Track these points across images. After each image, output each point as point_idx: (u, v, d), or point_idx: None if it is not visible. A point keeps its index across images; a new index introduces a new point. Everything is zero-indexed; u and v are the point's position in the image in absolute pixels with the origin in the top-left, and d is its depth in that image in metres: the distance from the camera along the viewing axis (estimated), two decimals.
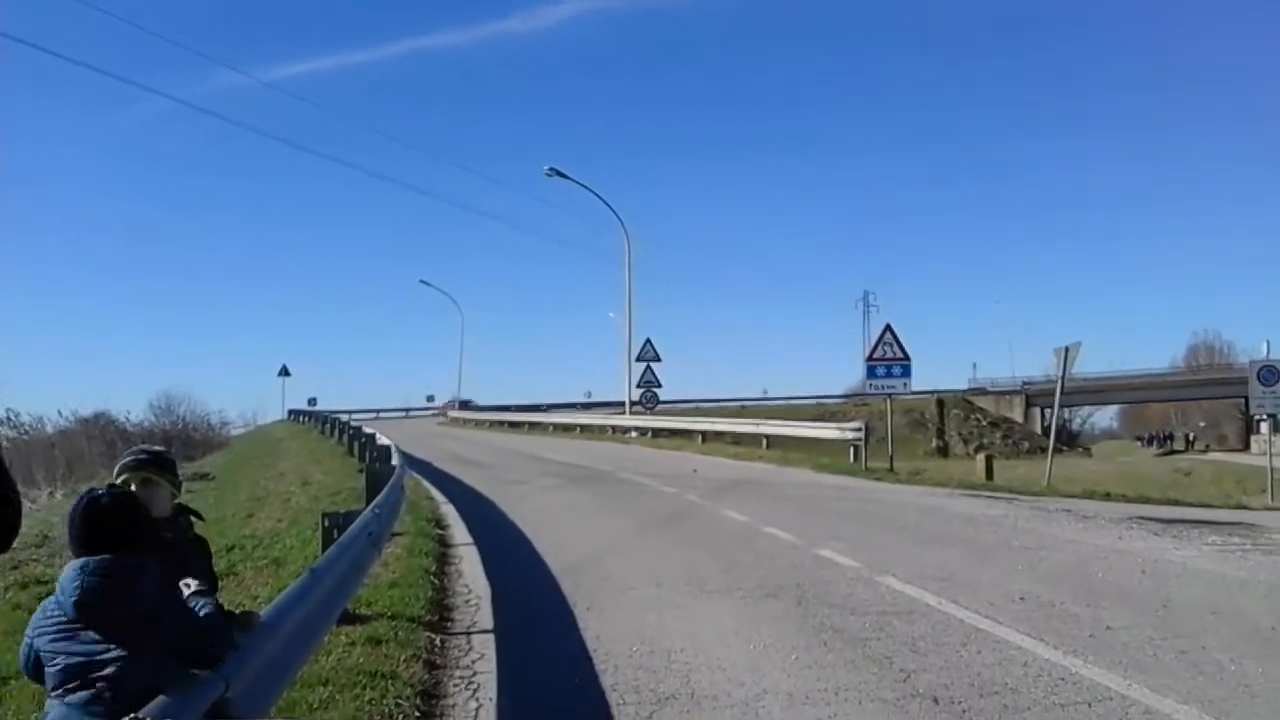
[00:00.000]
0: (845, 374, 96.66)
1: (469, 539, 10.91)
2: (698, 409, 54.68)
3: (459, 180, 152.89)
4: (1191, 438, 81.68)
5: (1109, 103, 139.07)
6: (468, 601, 7.61)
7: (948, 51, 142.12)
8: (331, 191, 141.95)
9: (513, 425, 46.98)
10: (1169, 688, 4.94)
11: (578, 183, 38.09)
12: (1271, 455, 20.42)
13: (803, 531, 10.66)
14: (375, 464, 12.19)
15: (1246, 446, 59.56)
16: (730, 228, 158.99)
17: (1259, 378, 19.39)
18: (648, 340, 34.93)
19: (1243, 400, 20.91)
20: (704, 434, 30.85)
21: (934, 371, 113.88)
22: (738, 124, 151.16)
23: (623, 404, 38.33)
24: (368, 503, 9.03)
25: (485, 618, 7.07)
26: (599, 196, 38.66)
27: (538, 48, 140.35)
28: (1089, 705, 4.72)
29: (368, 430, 22.30)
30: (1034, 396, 73.40)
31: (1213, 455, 50.08)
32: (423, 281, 68.84)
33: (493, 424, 49.40)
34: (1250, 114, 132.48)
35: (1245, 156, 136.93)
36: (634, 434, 34.08)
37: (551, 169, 36.75)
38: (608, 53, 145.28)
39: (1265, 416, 20.85)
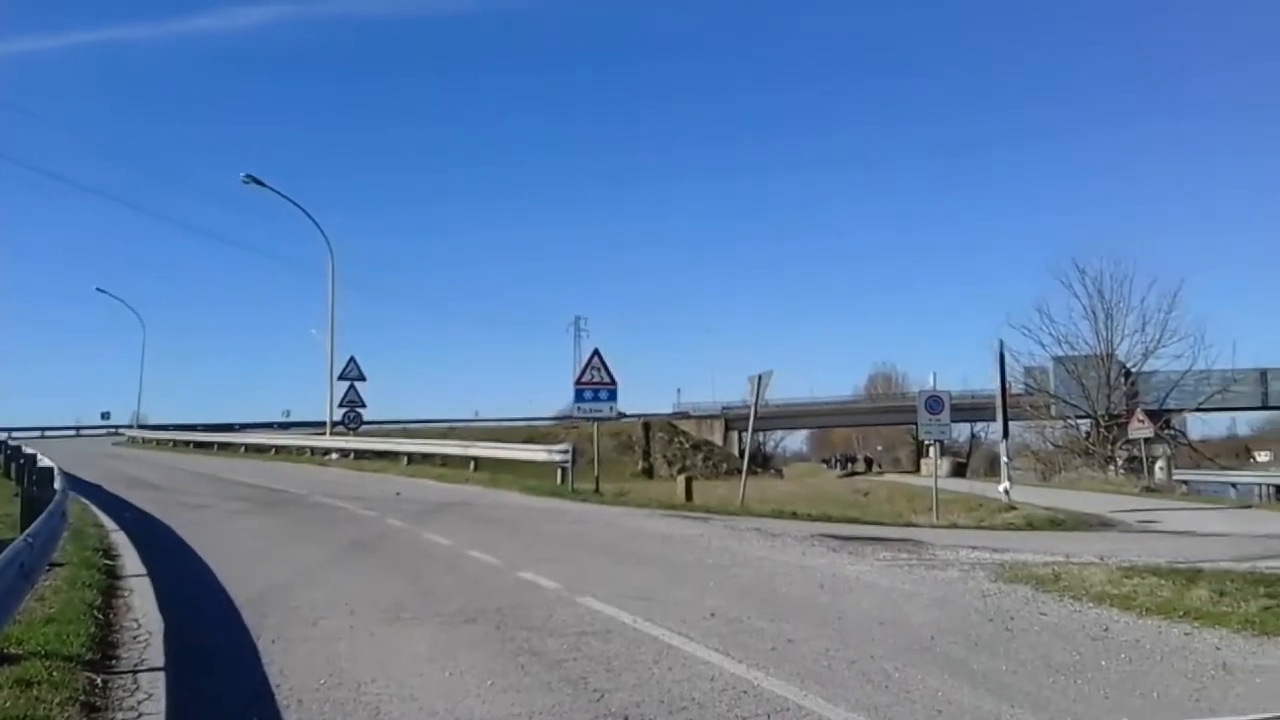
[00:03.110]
0: (557, 397, 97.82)
1: (142, 569, 9.99)
2: (405, 430, 53.59)
3: (143, 184, 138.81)
4: (870, 460, 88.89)
5: (795, 144, 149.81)
6: (136, 637, 6.92)
7: (654, 85, 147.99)
8: None
9: (200, 446, 44.23)
10: (840, 696, 5.24)
11: (277, 192, 36.35)
12: (937, 477, 22.55)
13: (506, 555, 10.59)
14: (34, 488, 10.94)
15: (918, 469, 65.63)
16: (443, 248, 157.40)
17: (926, 406, 21.37)
18: (351, 358, 33.87)
19: (914, 426, 23.16)
20: (410, 456, 30.26)
21: (641, 396, 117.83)
22: (449, 139, 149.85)
23: (324, 424, 36.81)
24: (23, 530, 8.09)
25: (156, 654, 6.44)
26: (299, 207, 37.14)
27: (234, 49, 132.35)
28: (768, 716, 4.91)
29: (28, 450, 20.06)
30: (732, 421, 77.55)
31: (889, 477, 54.68)
32: (99, 290, 63.46)
33: (177, 444, 46.28)
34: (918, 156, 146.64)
35: (918, 205, 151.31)
36: (335, 456, 32.91)
37: (248, 176, 34.76)
38: (314, 60, 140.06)
39: (932, 441, 22.95)
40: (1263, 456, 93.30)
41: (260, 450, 39.56)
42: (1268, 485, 35.73)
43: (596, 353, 22.89)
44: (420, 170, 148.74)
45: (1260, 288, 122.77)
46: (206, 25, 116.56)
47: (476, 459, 27.34)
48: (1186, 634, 6.89)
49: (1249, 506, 28.23)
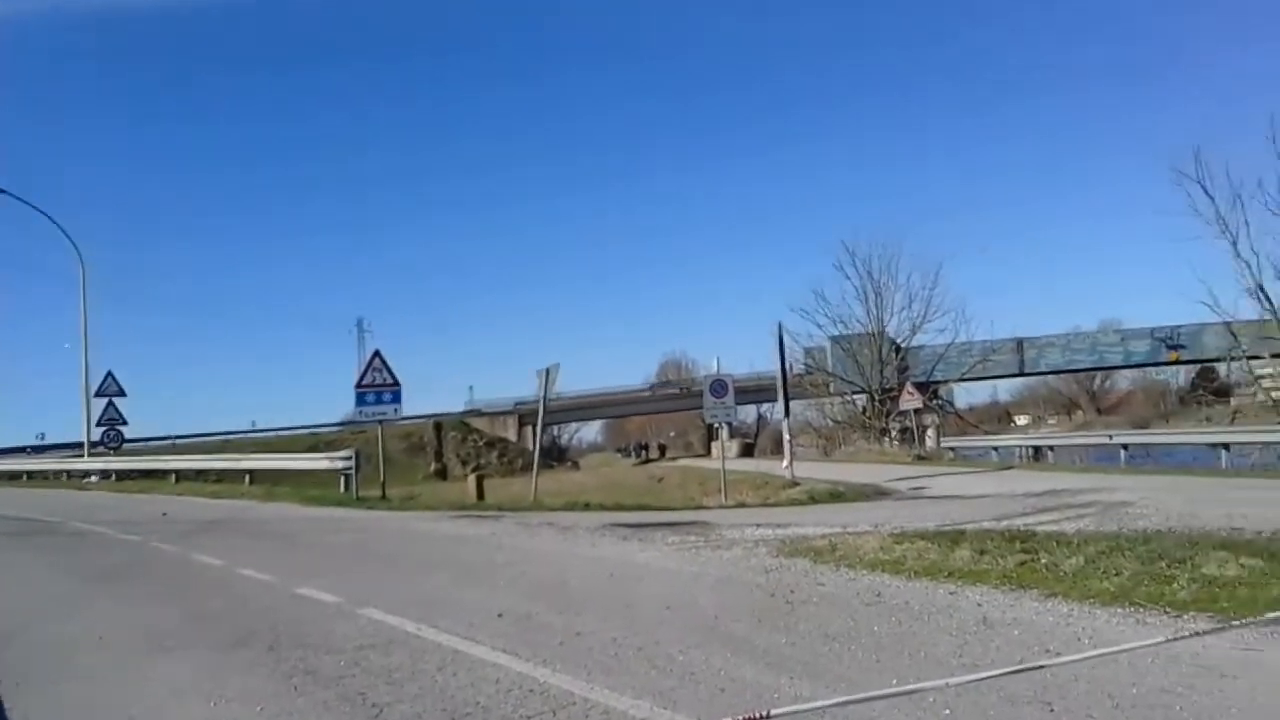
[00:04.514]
0: (344, 403, 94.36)
1: None
2: (175, 446, 50.69)
3: None
4: (664, 446, 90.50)
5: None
6: None
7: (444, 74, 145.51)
8: None
9: None
10: (626, 685, 5.21)
11: (17, 198, 33.54)
12: (724, 459, 23.13)
13: (283, 570, 10.04)
14: None
15: (709, 452, 67.37)
16: (213, 254, 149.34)
17: (711, 390, 21.82)
18: (109, 373, 31.62)
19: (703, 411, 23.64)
20: (178, 473, 28.56)
21: (433, 396, 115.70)
22: (220, 138, 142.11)
23: (82, 445, 34.19)
24: None
25: None
26: (45, 214, 34.45)
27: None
28: (553, 713, 4.81)
29: None
30: (525, 416, 77.10)
31: (682, 462, 55.55)
32: None
33: None
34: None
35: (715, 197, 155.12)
36: (95, 478, 30.66)
37: None
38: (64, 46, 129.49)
39: (719, 424, 23.50)
40: (1022, 420, 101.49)
41: (11, 477, 36.41)
42: (1026, 447, 38.86)
43: (377, 353, 22.22)
44: (186, 171, 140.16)
45: (1015, 263, 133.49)
46: None
47: (251, 472, 26.09)
48: (951, 593, 7.28)
49: (1010, 468, 30.37)
